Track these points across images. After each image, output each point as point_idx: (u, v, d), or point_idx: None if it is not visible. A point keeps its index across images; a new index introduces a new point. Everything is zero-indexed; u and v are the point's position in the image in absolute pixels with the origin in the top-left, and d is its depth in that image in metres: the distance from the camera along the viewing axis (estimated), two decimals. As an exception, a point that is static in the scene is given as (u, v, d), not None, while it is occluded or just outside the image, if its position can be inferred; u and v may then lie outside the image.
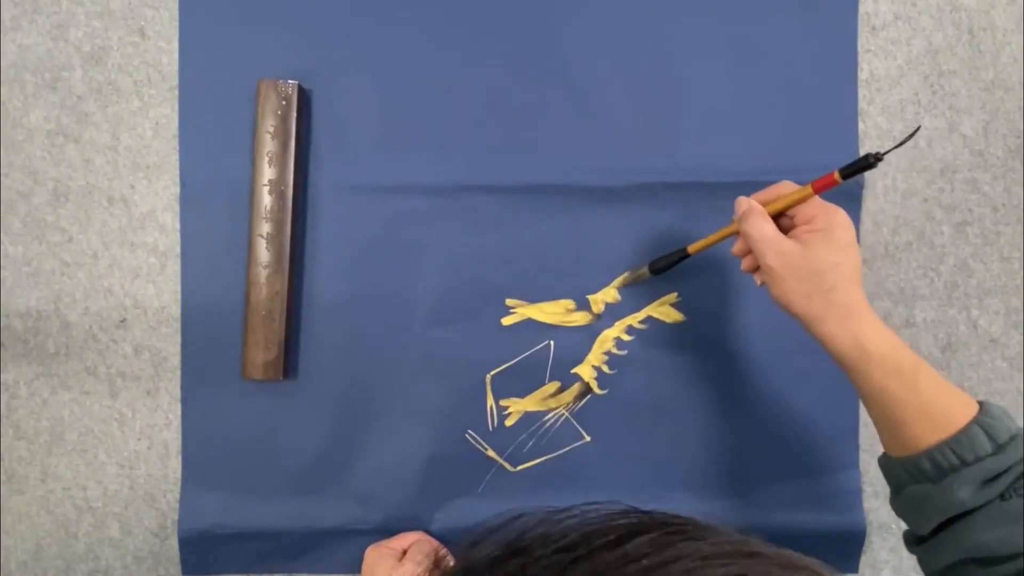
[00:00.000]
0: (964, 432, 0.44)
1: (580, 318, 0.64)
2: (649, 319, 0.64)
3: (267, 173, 0.61)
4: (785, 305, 0.50)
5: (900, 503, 0.48)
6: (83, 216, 0.64)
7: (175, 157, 0.64)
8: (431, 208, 0.63)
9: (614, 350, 0.64)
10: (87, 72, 0.64)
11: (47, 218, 0.64)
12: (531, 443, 0.64)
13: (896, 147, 0.47)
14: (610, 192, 0.63)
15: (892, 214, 0.64)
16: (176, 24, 0.63)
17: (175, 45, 0.63)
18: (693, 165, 0.63)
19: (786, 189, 0.51)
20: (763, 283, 0.52)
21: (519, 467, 0.64)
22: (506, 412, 0.64)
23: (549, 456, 0.64)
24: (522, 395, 0.64)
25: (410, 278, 0.63)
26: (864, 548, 0.65)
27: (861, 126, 0.64)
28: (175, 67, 0.63)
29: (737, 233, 0.52)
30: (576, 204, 0.63)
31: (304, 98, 0.62)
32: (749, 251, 0.52)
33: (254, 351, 0.61)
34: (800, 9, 0.64)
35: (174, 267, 0.64)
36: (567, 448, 0.64)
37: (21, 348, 0.64)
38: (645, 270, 0.60)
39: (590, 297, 0.64)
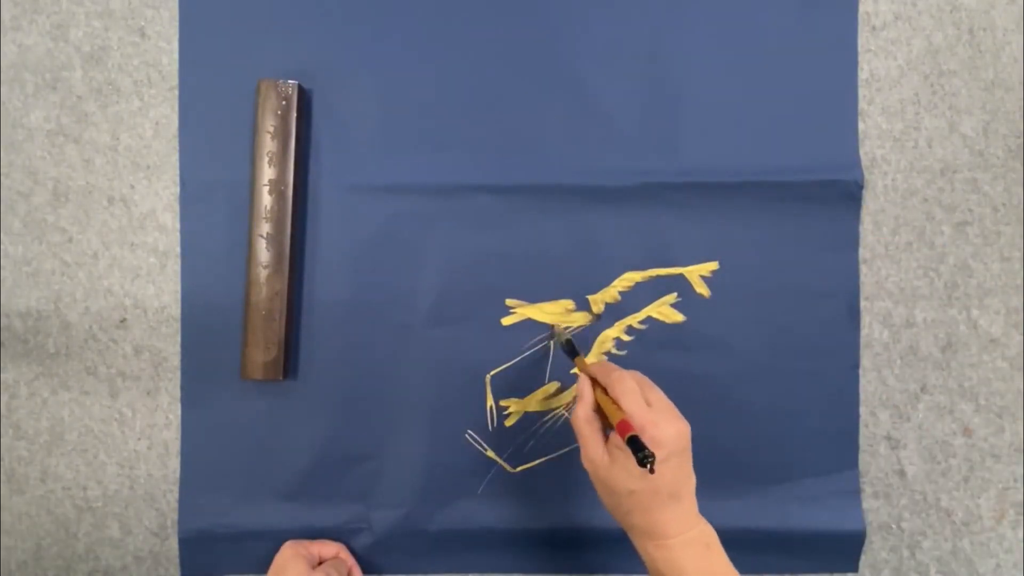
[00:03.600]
0: None
1: (580, 318, 0.64)
2: (649, 319, 0.64)
3: (267, 173, 0.61)
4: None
5: None
6: (83, 216, 0.64)
7: (175, 157, 0.64)
8: (431, 208, 0.63)
9: (614, 350, 0.64)
10: (87, 72, 0.64)
11: (47, 218, 0.64)
12: (531, 443, 0.64)
13: None
14: (610, 192, 0.63)
15: (892, 214, 0.64)
16: (176, 24, 0.63)
17: (175, 45, 0.64)
18: (693, 165, 0.63)
19: (626, 385, 0.49)
20: None
21: (519, 467, 0.64)
22: (506, 412, 0.64)
23: (549, 456, 0.64)
24: (522, 395, 0.64)
25: (410, 278, 0.63)
26: (864, 548, 0.65)
27: (861, 126, 0.64)
28: (175, 67, 0.64)
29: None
30: (576, 204, 0.63)
31: (304, 98, 0.62)
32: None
33: (254, 351, 0.61)
34: (800, 9, 0.64)
35: (174, 267, 0.64)
36: (567, 448, 0.64)
37: (21, 348, 0.64)
38: (565, 340, 0.61)
39: (590, 297, 0.64)
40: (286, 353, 0.62)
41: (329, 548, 0.62)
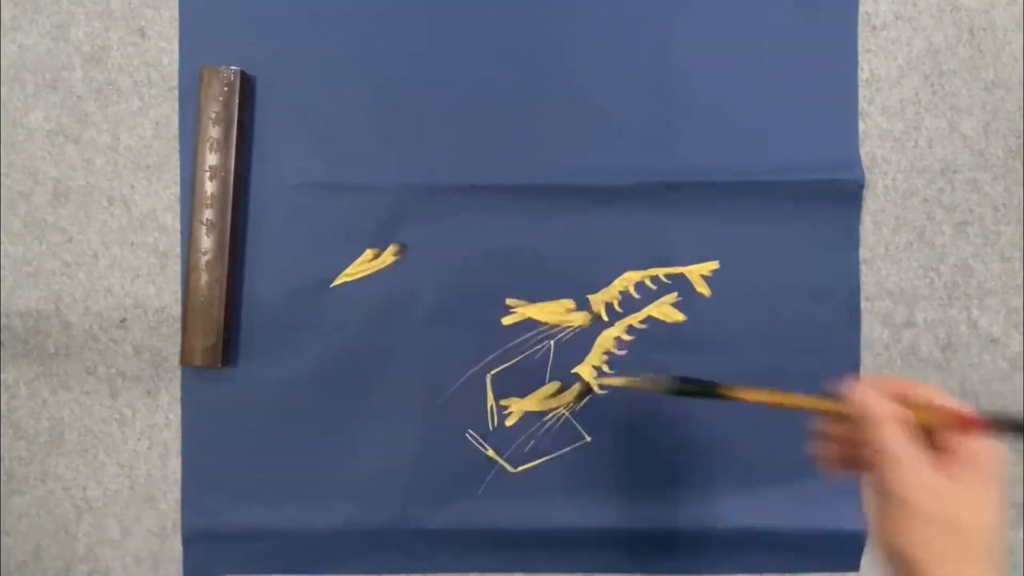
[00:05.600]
0: None
1: (580, 318, 0.64)
2: (649, 319, 0.64)
3: (208, 159, 0.61)
4: (890, 544, 0.37)
5: None
6: (83, 216, 0.64)
7: (175, 157, 0.64)
8: (430, 207, 0.63)
9: (614, 350, 0.64)
10: (87, 72, 0.64)
11: (47, 218, 0.64)
12: (531, 443, 0.64)
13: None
14: (610, 192, 0.63)
15: (892, 214, 0.64)
16: (176, 24, 0.63)
17: (175, 45, 0.64)
18: (693, 165, 0.63)
19: (927, 386, 0.39)
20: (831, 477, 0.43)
21: (519, 468, 0.64)
22: (506, 412, 0.64)
23: (549, 456, 0.64)
24: (522, 395, 0.64)
25: (410, 277, 0.63)
26: (864, 548, 0.65)
27: (861, 126, 0.64)
28: (175, 67, 0.64)
29: (831, 413, 0.42)
30: (576, 204, 0.63)
31: (248, 85, 0.62)
32: (846, 444, 0.42)
33: (192, 337, 0.61)
34: (800, 9, 0.64)
35: (174, 267, 0.64)
36: (567, 448, 0.64)
37: (21, 348, 0.64)
38: (665, 384, 0.49)
39: (590, 297, 0.64)
40: (226, 340, 0.61)
41: None
